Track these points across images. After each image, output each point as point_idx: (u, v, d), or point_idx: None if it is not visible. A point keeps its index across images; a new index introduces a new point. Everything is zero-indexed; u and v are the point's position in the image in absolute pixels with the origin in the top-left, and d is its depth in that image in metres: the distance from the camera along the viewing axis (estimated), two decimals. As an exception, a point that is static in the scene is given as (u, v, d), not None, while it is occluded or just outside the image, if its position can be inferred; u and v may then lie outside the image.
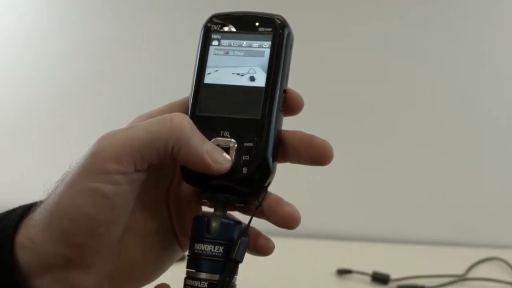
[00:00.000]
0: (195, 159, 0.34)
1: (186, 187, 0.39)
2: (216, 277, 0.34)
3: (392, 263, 0.88)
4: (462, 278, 0.85)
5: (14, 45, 1.16)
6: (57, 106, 1.15)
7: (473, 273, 0.88)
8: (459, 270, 0.88)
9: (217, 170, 0.34)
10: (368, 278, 0.84)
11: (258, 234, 0.37)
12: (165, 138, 0.33)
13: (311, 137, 0.36)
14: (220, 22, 0.39)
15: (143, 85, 1.12)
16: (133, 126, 0.34)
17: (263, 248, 0.37)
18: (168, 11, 1.11)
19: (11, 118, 1.16)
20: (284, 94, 0.37)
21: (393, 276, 0.83)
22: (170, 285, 0.35)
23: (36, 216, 0.34)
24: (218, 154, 0.35)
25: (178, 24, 1.09)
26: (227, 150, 0.36)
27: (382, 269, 0.84)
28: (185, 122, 0.33)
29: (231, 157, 0.35)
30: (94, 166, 0.32)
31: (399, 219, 1.08)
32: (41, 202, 0.35)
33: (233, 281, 0.35)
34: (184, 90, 0.39)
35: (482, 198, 1.08)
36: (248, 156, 0.35)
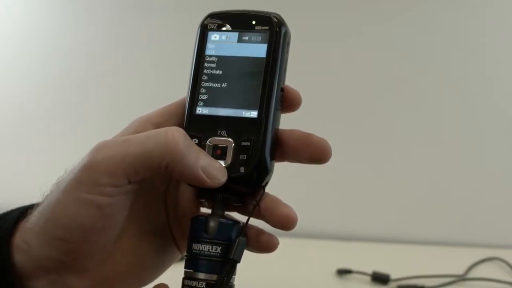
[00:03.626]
0: (190, 177, 0.34)
1: (183, 188, 0.39)
2: (214, 277, 0.34)
3: (392, 263, 0.88)
4: (462, 278, 0.85)
5: (14, 45, 1.16)
6: (57, 106, 1.15)
7: (473, 273, 0.88)
8: (459, 270, 0.88)
9: (213, 186, 0.34)
10: (368, 278, 0.84)
11: (260, 232, 0.37)
12: (159, 156, 0.32)
13: (308, 136, 0.36)
14: (217, 20, 0.38)
15: (144, 86, 1.12)
16: (128, 139, 0.33)
17: (267, 245, 0.37)
18: (168, 11, 1.11)
19: (10, 118, 1.16)
20: (281, 92, 0.37)
21: (393, 276, 0.83)
22: (169, 285, 0.35)
23: (32, 219, 0.34)
24: (213, 169, 0.34)
25: (179, 24, 1.09)
26: (224, 149, 0.36)
27: (382, 269, 0.84)
28: (180, 139, 0.33)
29: (228, 156, 0.35)
30: (88, 179, 0.32)
31: (399, 219, 1.08)
32: (37, 204, 0.35)
33: (231, 281, 0.35)
34: (184, 90, 0.39)
35: (482, 198, 1.07)
36: (245, 155, 0.35)
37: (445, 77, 1.08)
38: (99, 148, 0.33)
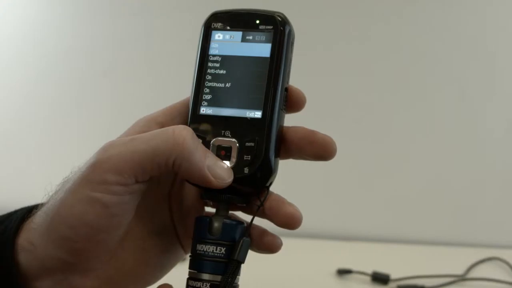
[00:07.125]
0: (196, 175, 0.34)
1: (188, 188, 0.39)
2: (218, 277, 0.34)
3: (392, 263, 0.88)
4: (462, 278, 0.85)
5: (14, 45, 1.16)
6: (57, 106, 1.15)
7: (473, 273, 0.88)
8: (459, 270, 0.88)
9: (218, 186, 0.34)
10: (368, 278, 0.84)
11: (263, 232, 0.37)
12: (166, 153, 0.32)
13: (313, 133, 0.36)
14: (221, 20, 0.38)
15: (145, 86, 1.12)
16: (136, 138, 0.33)
17: (270, 246, 0.37)
18: (170, 10, 1.11)
19: (10, 118, 1.16)
20: (285, 92, 0.37)
21: (393, 276, 0.83)
22: (173, 285, 0.35)
23: (37, 220, 0.34)
24: (219, 169, 0.34)
25: (179, 24, 1.09)
26: (228, 150, 0.35)
27: (382, 269, 0.84)
28: (188, 137, 0.33)
29: (232, 156, 0.35)
30: (95, 177, 0.32)
31: (399, 219, 1.08)
32: (42, 204, 0.35)
33: (235, 281, 0.35)
34: (186, 90, 0.39)
35: (482, 198, 1.08)
36: (249, 156, 0.35)
37: (445, 77, 1.08)
38: (106, 147, 0.33)
